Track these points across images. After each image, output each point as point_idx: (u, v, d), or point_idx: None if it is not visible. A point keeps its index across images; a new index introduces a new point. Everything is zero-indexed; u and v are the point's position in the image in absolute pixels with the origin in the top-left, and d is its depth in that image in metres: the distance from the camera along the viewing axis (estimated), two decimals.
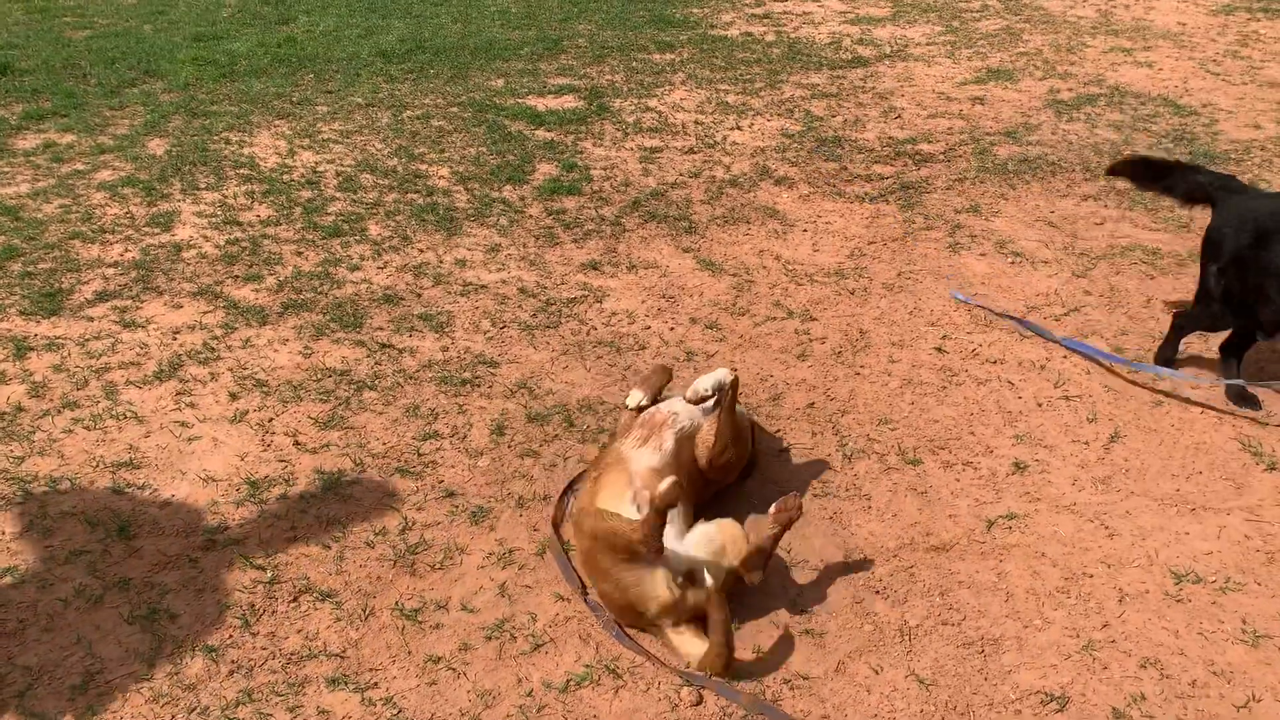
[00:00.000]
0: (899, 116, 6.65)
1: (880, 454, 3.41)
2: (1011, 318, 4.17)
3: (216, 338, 4.02)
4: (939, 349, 4.01)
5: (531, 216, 5.15)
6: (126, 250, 4.72)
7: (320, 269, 4.57)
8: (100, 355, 3.89)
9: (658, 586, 2.60)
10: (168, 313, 4.20)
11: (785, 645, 2.67)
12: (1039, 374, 3.84)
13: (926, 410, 3.64)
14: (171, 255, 4.68)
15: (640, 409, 3.12)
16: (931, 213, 5.21)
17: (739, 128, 6.45)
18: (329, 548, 2.97)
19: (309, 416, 3.55)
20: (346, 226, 4.99)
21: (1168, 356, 3.83)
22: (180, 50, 8.12)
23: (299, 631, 2.69)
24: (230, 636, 2.67)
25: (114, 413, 3.55)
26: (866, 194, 5.45)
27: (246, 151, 5.96)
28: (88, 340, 3.98)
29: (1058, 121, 6.51)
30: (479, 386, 3.74)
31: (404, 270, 4.58)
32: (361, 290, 4.40)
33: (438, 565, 2.92)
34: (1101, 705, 2.51)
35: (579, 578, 2.83)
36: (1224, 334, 3.81)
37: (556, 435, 3.49)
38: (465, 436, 3.47)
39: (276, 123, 6.47)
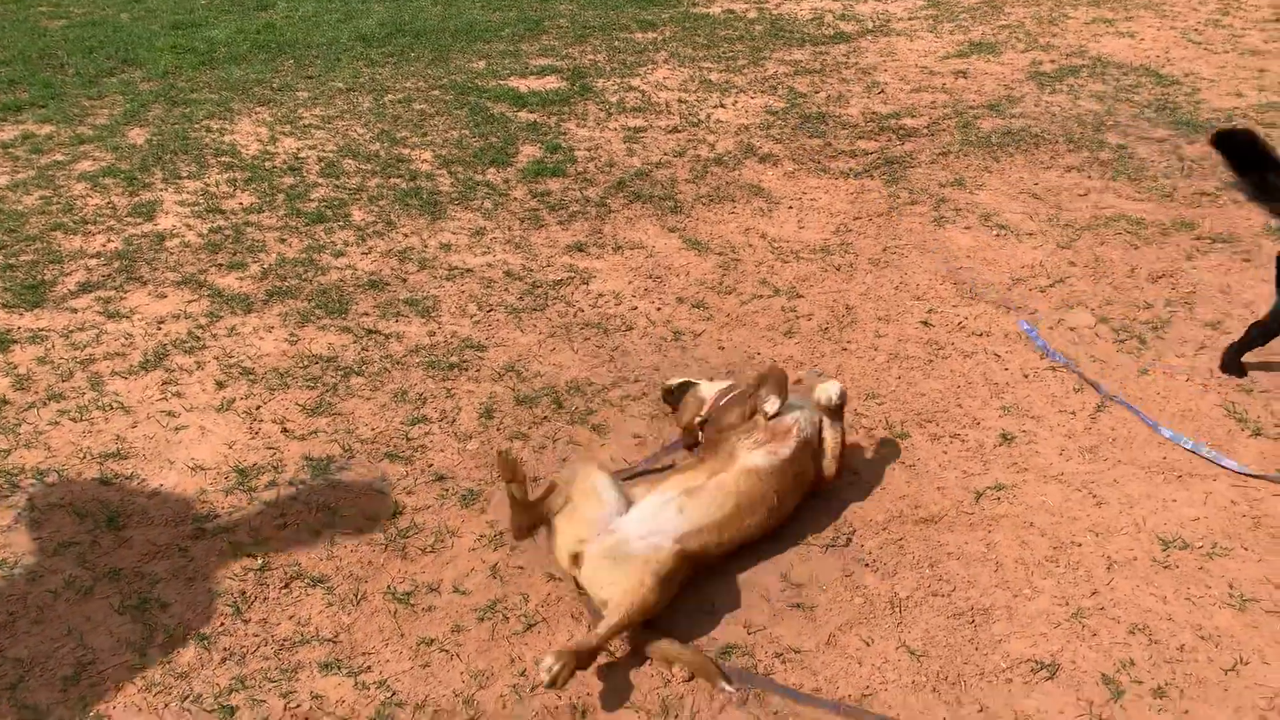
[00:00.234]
0: (882, 91, 6.64)
1: (868, 428, 3.42)
2: (1094, 384, 3.65)
3: (201, 326, 4.00)
4: (925, 323, 4.02)
5: (516, 199, 5.13)
6: (109, 241, 4.69)
7: (304, 255, 4.55)
8: (85, 346, 3.87)
9: None
10: (152, 302, 4.18)
11: (776, 619, 2.68)
12: (1025, 346, 3.85)
13: (913, 384, 3.64)
14: (154, 245, 4.65)
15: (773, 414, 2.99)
16: (916, 187, 5.20)
17: (723, 105, 6.43)
18: (319, 533, 2.97)
19: (296, 403, 3.54)
20: (330, 212, 4.96)
21: (1235, 362, 3.65)
22: (158, 38, 8.05)
23: (291, 617, 2.70)
24: (222, 624, 2.67)
25: (100, 404, 3.54)
26: (851, 170, 5.45)
27: (228, 139, 5.92)
28: (72, 332, 3.96)
29: (1040, 93, 6.50)
30: (466, 370, 3.74)
31: (388, 255, 4.56)
32: (346, 276, 4.38)
33: (429, 548, 2.92)
34: (1091, 671, 2.53)
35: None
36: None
37: (545, 417, 3.48)
38: (454, 420, 3.47)
39: (257, 109, 6.42)
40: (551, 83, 6.90)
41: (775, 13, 8.75)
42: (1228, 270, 4.34)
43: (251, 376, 3.69)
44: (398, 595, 2.76)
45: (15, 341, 3.89)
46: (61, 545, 2.92)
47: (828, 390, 2.96)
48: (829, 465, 2.99)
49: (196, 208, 5.02)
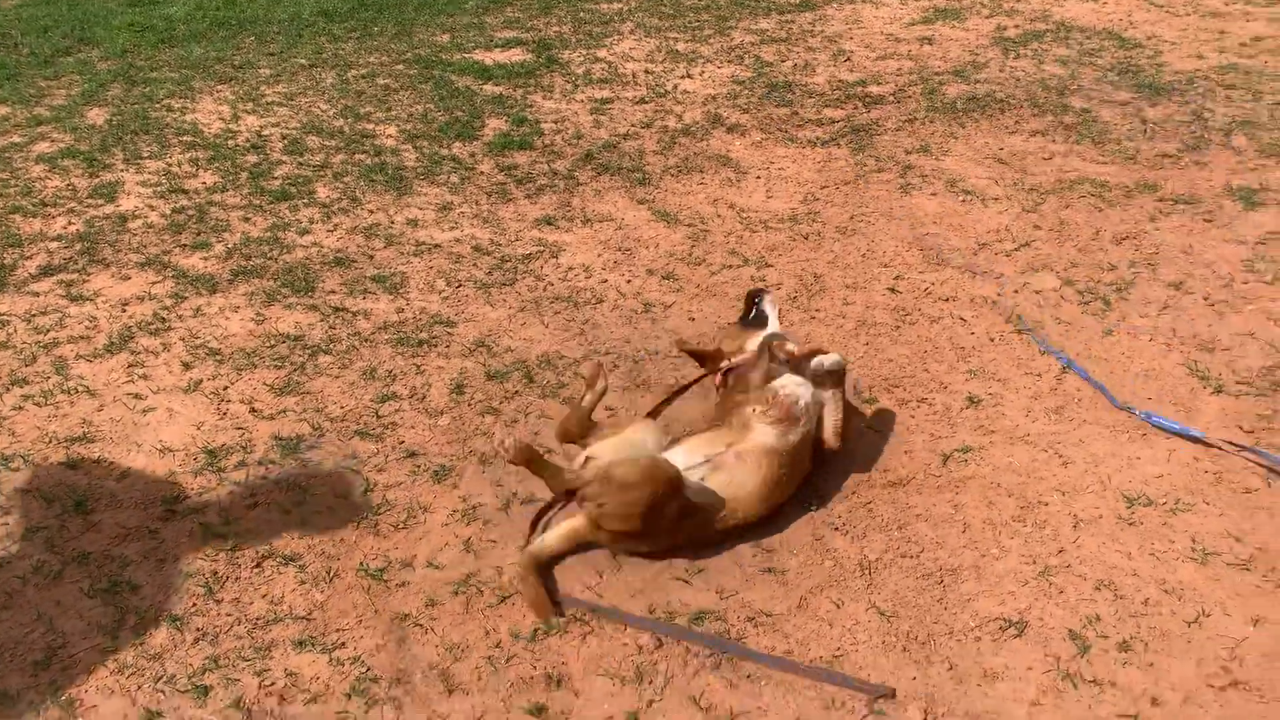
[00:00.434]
0: (848, 59, 6.63)
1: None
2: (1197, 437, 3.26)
3: (167, 308, 3.97)
4: (892, 289, 4.04)
5: (483, 173, 5.10)
6: (70, 223, 4.63)
7: (269, 234, 4.50)
8: (48, 330, 3.82)
9: None
10: (115, 284, 4.13)
11: (748, 584, 2.70)
12: (990, 310, 3.88)
13: (881, 350, 3.67)
14: (117, 226, 4.59)
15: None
16: (882, 154, 5.21)
17: (689, 76, 6.40)
18: (290, 513, 2.96)
19: (264, 383, 3.52)
20: (294, 190, 4.91)
21: None
22: (115, 16, 7.91)
23: (264, 596, 2.69)
24: (194, 605, 2.66)
25: (65, 388, 3.50)
26: (818, 138, 5.45)
27: (189, 118, 5.83)
28: (34, 316, 3.91)
29: (1005, 59, 6.52)
30: (436, 346, 3.73)
31: (354, 232, 4.52)
32: (312, 254, 4.34)
33: (401, 525, 2.92)
34: (1058, 628, 2.57)
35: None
36: None
37: (517, 392, 3.48)
38: (424, 397, 3.46)
39: (219, 88, 6.33)
40: (517, 55, 6.85)
41: None
42: (1190, 231, 4.38)
43: (218, 357, 3.67)
44: (371, 572, 2.76)
45: None
46: (29, 530, 2.90)
47: (827, 362, 3.01)
48: (830, 435, 3.03)
49: (159, 188, 4.96)
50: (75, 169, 5.17)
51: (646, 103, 5.97)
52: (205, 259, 4.31)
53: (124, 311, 3.94)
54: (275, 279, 4.15)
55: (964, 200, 4.72)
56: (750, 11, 7.77)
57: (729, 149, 5.34)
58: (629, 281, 4.13)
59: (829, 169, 5.09)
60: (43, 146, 5.45)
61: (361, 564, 2.78)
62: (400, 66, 6.66)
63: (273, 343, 3.74)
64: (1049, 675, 2.45)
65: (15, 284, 4.13)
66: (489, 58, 6.79)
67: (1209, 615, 2.59)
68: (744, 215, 4.64)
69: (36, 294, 4.06)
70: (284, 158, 5.29)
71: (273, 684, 2.45)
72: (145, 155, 5.33)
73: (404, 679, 2.46)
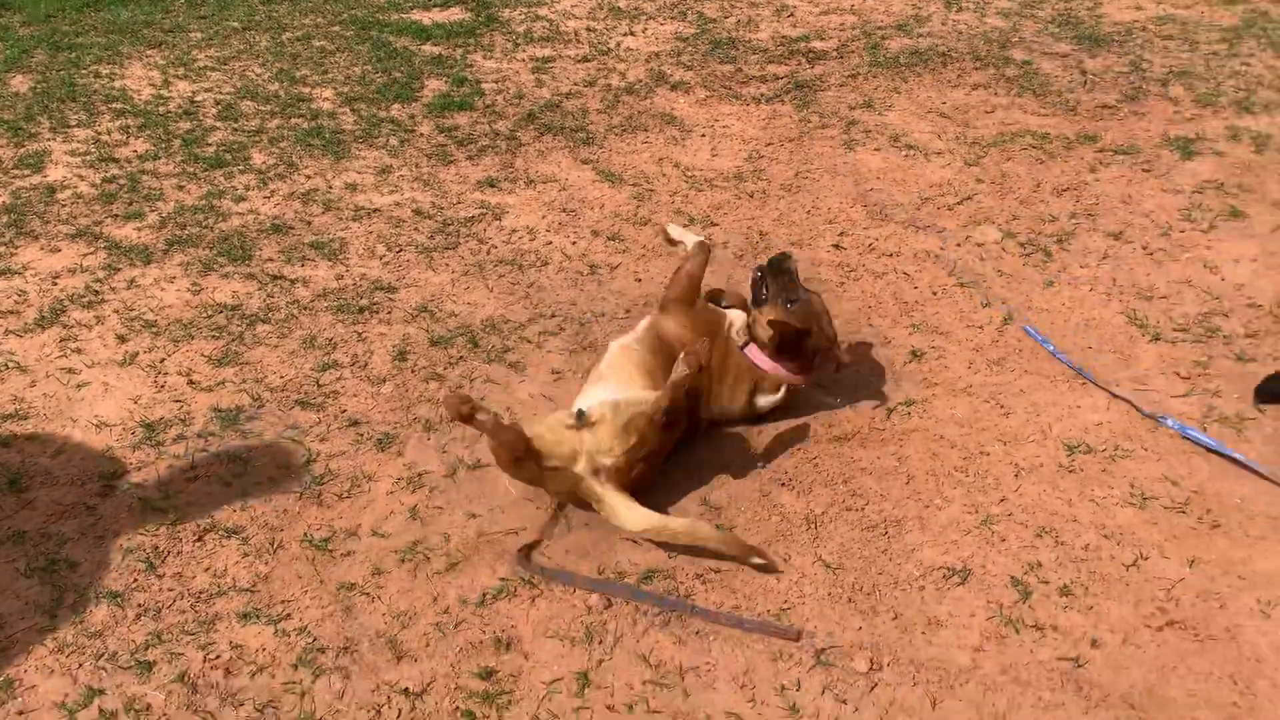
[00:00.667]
0: (791, 15, 6.59)
1: None
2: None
3: (99, 280, 3.86)
4: (837, 245, 4.04)
5: (423, 135, 5.01)
6: None
7: (204, 202, 4.40)
8: None
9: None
10: (45, 257, 4.01)
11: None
12: (933, 264, 3.90)
13: (827, 306, 3.67)
14: (45, 197, 4.45)
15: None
16: (826, 110, 5.20)
17: (632, 33, 6.33)
18: (231, 485, 2.92)
19: (202, 354, 3.45)
20: (229, 156, 4.79)
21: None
22: None
23: (206, 570, 2.65)
24: (135, 580, 2.62)
25: None
26: (762, 95, 5.42)
27: (118, 84, 5.66)
28: None
29: (947, 12, 6.51)
30: (377, 313, 3.67)
31: (292, 198, 4.43)
32: (249, 222, 4.25)
33: (345, 494, 2.89)
34: (1000, 575, 2.61)
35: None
36: None
37: (461, 357, 3.45)
38: (366, 364, 3.41)
39: (148, 52, 6.14)
40: (455, 14, 6.71)
41: None
42: (1129, 181, 4.43)
43: (154, 329, 3.58)
44: (315, 542, 2.73)
45: None
46: None
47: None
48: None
49: (88, 157, 4.81)
50: None
51: (589, 61, 5.90)
52: (138, 229, 4.20)
53: (55, 285, 3.83)
54: (211, 248, 4.05)
55: (907, 155, 4.73)
56: None
57: (673, 107, 5.30)
58: (574, 243, 4.10)
59: (773, 126, 5.06)
60: None
61: (305, 534, 2.75)
62: (336, 28, 6.51)
63: (210, 313, 3.66)
64: (992, 621, 2.49)
65: None
66: (427, 17, 6.65)
67: (1146, 558, 2.65)
68: (689, 174, 4.61)
69: None
70: (218, 124, 5.16)
71: (218, 657, 2.42)
72: (73, 123, 5.17)
73: (351, 648, 2.44)
